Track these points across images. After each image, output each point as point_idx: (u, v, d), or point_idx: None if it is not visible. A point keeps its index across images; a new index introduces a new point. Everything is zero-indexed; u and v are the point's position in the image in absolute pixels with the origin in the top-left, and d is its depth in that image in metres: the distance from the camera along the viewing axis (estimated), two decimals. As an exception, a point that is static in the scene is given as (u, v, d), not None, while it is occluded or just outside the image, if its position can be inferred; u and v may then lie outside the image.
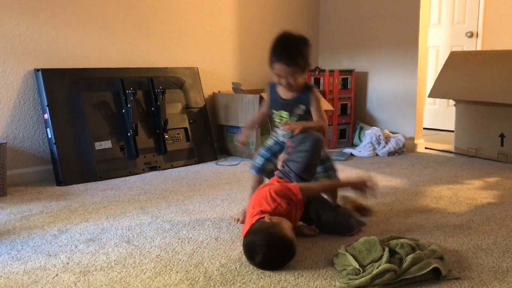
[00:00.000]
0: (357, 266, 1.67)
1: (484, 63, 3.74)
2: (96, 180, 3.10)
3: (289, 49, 2.31)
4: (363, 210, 2.33)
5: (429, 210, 2.48)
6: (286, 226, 1.84)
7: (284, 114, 2.30)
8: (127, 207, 2.55)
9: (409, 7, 4.08)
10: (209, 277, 1.70)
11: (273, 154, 2.33)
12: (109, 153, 3.21)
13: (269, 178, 2.28)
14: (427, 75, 4.46)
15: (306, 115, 2.27)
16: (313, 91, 2.28)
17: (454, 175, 3.23)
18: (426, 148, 4.21)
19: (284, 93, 2.32)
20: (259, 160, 2.36)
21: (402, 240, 1.82)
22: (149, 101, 3.48)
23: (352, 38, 4.58)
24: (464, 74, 3.78)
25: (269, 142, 2.39)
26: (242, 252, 1.91)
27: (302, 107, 2.26)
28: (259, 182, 2.33)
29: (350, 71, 4.36)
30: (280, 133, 2.32)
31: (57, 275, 1.73)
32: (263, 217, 1.87)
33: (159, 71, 3.65)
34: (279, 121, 2.33)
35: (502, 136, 3.65)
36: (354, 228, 2.13)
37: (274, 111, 2.34)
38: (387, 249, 1.73)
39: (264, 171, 2.35)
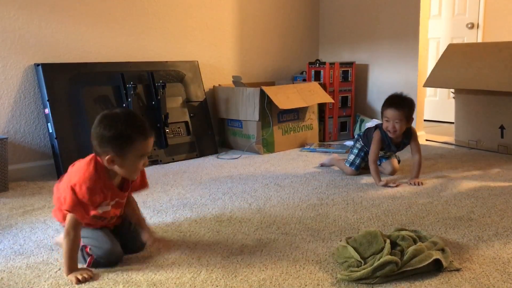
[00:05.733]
0: (358, 258, 1.68)
1: (482, 54, 3.73)
2: (97, 174, 3.10)
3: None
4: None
5: (430, 202, 2.48)
6: None
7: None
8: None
9: (409, -2, 4.07)
10: (211, 270, 1.71)
11: (365, 154, 3.02)
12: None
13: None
14: (427, 67, 4.45)
15: None
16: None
17: (455, 167, 3.24)
18: (427, 140, 4.21)
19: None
20: (357, 160, 3.04)
21: (403, 232, 1.83)
22: (149, 95, 3.48)
23: (352, 30, 4.57)
24: (462, 65, 3.77)
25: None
26: (244, 245, 1.92)
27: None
28: (353, 175, 3.02)
29: (350, 64, 4.35)
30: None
31: (59, 269, 1.73)
32: None
33: (159, 65, 3.64)
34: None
35: (502, 128, 3.65)
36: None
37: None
38: (388, 241, 1.73)
39: (358, 168, 3.03)
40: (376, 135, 2.88)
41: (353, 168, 3.03)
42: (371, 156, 2.88)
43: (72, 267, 1.66)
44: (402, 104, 2.77)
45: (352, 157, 3.06)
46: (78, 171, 1.68)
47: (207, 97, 3.91)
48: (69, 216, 1.65)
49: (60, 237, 1.84)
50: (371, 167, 2.87)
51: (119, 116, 1.65)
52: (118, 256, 1.76)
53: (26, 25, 3.08)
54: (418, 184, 2.80)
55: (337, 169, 3.19)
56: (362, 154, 3.03)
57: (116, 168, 1.66)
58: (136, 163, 1.67)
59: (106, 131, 1.63)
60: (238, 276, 1.66)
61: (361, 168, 3.06)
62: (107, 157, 1.63)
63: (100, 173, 1.68)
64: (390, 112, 2.77)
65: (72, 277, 1.63)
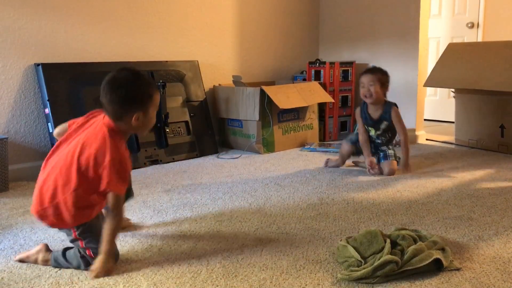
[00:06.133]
0: (359, 258, 1.68)
1: (482, 53, 3.73)
2: (97, 174, 3.10)
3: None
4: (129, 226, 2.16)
5: (430, 201, 2.48)
6: None
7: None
8: (129, 201, 2.55)
9: (409, -2, 4.07)
10: (211, 270, 1.71)
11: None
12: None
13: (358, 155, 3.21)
14: (427, 66, 4.45)
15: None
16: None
17: (455, 166, 3.24)
18: (427, 139, 4.21)
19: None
20: (352, 136, 3.20)
21: (403, 232, 1.83)
22: (149, 95, 3.48)
23: (352, 30, 4.57)
24: (462, 64, 3.77)
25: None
26: (244, 245, 1.92)
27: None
28: (349, 151, 3.18)
29: (350, 63, 4.35)
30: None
31: (59, 269, 1.74)
32: None
33: (159, 64, 3.64)
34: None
35: (502, 127, 3.65)
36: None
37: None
38: (388, 240, 1.73)
39: (354, 143, 3.14)
40: (356, 111, 3.18)
41: (347, 142, 3.19)
42: (359, 138, 3.12)
43: (113, 252, 1.70)
44: (374, 70, 3.07)
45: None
46: (101, 148, 1.66)
47: (207, 97, 3.91)
48: (113, 195, 1.66)
49: (28, 253, 1.80)
50: (362, 147, 3.10)
51: (132, 77, 1.71)
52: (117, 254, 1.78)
53: (26, 25, 3.08)
54: (408, 172, 3.02)
55: (338, 169, 3.19)
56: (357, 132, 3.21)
57: (139, 125, 1.72)
58: (153, 116, 1.77)
59: (128, 93, 1.68)
60: (239, 276, 1.66)
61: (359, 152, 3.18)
62: (134, 116, 1.69)
63: (118, 140, 1.71)
64: (364, 77, 3.03)
65: (112, 269, 1.68)
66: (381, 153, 3.10)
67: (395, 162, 3.08)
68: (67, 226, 1.71)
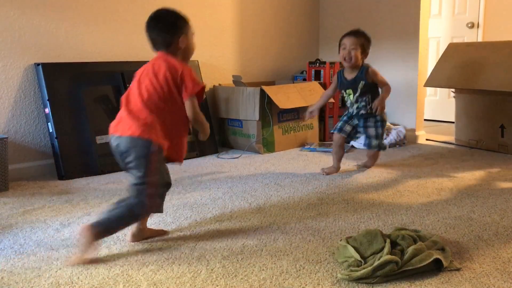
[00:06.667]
0: (359, 258, 1.68)
1: (483, 53, 3.73)
2: (97, 174, 3.10)
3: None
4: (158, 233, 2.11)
5: (430, 201, 2.48)
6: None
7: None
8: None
9: (409, -2, 4.07)
10: (211, 270, 1.71)
11: (349, 118, 3.10)
12: (110, 147, 3.21)
13: (348, 142, 3.20)
14: (428, 66, 4.45)
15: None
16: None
17: (455, 167, 3.24)
18: (427, 139, 4.21)
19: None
20: (338, 124, 3.10)
21: (403, 232, 1.83)
22: (149, 95, 3.48)
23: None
24: (462, 64, 3.77)
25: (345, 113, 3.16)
26: (244, 245, 1.92)
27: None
28: (341, 141, 3.06)
29: (350, 63, 4.34)
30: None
31: (60, 268, 1.74)
32: None
33: (159, 64, 3.64)
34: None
35: (502, 127, 3.65)
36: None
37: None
38: (388, 240, 1.73)
39: (343, 131, 3.05)
40: (333, 78, 3.20)
41: (334, 131, 3.11)
42: (324, 93, 3.23)
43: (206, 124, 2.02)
44: (358, 33, 3.02)
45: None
46: (170, 65, 1.94)
47: (207, 97, 3.91)
48: (191, 101, 1.92)
49: (79, 256, 1.79)
50: (320, 99, 3.21)
51: (168, 11, 2.06)
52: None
53: (26, 25, 3.08)
54: (377, 109, 2.95)
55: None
56: (345, 117, 3.13)
57: (184, 48, 2.03)
58: (193, 41, 2.09)
59: (170, 21, 2.01)
60: (238, 276, 1.66)
61: (351, 138, 3.14)
62: (179, 39, 1.99)
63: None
64: (347, 39, 2.99)
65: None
66: (366, 139, 3.07)
67: (377, 153, 3.13)
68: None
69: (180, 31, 1.99)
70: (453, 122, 4.17)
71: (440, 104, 5.33)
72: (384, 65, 4.36)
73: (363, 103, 3.03)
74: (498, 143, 3.68)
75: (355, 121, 3.10)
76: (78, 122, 3.13)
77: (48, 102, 3.06)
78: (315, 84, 4.10)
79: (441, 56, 3.94)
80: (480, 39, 4.99)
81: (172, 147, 1.94)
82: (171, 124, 1.92)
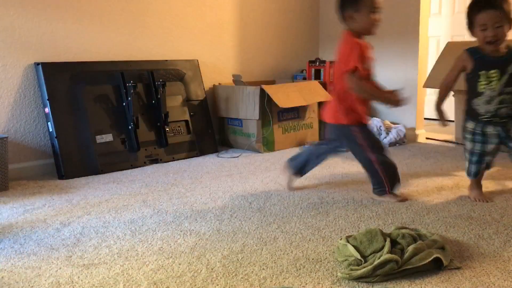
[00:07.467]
0: (359, 257, 1.68)
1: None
2: (97, 173, 3.10)
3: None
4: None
5: (430, 200, 2.48)
6: None
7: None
8: (129, 200, 2.55)
9: (409, -4, 4.06)
10: (212, 269, 1.71)
11: (482, 152, 2.43)
12: (110, 146, 3.22)
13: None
14: (427, 65, 4.45)
15: None
16: None
17: (455, 165, 3.23)
18: (427, 138, 4.21)
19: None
20: (472, 167, 2.46)
21: (403, 231, 1.83)
22: (149, 94, 3.48)
23: (352, 29, 4.56)
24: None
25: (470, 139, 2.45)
26: (244, 244, 1.92)
27: None
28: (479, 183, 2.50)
29: (350, 62, 4.34)
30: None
31: (60, 268, 1.74)
32: None
33: (159, 63, 3.64)
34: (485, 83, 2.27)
35: (503, 125, 3.63)
36: None
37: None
38: (388, 239, 1.73)
39: (480, 172, 2.48)
40: (460, 56, 2.35)
41: (470, 177, 2.52)
42: (442, 82, 2.51)
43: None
44: (496, 3, 2.17)
45: None
46: (343, 43, 2.33)
47: (207, 96, 3.91)
48: (346, 76, 2.27)
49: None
50: (440, 91, 2.58)
51: None
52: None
53: (26, 24, 3.08)
54: None
55: (338, 168, 3.19)
56: (475, 157, 2.48)
57: (354, 23, 2.29)
58: (370, 17, 2.27)
59: None
60: (239, 275, 1.66)
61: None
62: (347, 15, 2.27)
63: (356, 37, 2.31)
64: (486, 16, 2.17)
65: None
66: None
67: None
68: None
69: (348, 7, 2.31)
70: (453, 121, 4.16)
71: (440, 103, 5.32)
72: (384, 64, 4.36)
73: (509, 95, 2.25)
74: (498, 142, 3.67)
75: (491, 138, 2.42)
76: (78, 122, 3.13)
77: (48, 101, 3.05)
78: (315, 83, 4.10)
79: (440, 56, 3.94)
80: (480, 38, 4.97)
81: None
82: None
